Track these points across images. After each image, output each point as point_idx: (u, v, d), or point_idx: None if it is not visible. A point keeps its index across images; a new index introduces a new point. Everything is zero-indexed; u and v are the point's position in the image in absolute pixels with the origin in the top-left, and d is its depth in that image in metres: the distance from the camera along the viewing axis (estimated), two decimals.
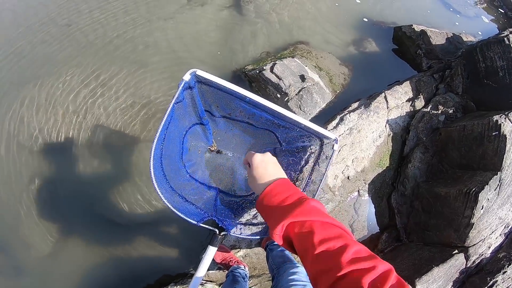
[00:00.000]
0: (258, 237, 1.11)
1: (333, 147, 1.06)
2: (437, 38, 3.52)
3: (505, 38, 2.74)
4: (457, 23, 4.06)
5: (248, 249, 2.26)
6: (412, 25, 3.54)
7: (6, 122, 2.62)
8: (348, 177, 2.62)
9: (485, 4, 4.65)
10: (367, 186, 2.65)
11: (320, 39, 3.31)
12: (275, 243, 1.92)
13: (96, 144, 2.57)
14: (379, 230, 2.60)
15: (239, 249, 2.22)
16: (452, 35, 3.63)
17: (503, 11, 4.56)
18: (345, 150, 2.62)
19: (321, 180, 1.06)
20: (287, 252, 1.81)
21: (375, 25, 3.61)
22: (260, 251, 2.27)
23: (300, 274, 1.50)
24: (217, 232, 1.01)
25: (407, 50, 3.52)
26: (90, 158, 2.50)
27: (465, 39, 3.67)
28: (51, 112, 2.66)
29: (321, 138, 1.12)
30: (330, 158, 1.07)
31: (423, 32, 3.48)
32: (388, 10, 3.83)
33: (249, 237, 1.12)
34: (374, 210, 2.63)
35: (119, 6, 3.46)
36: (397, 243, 2.59)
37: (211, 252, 1.02)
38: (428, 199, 2.48)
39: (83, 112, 2.68)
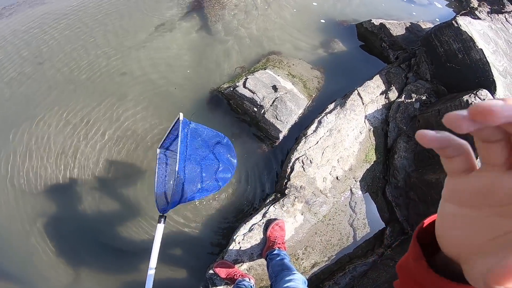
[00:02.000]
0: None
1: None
2: (397, 30, 3.55)
3: (453, 22, 2.77)
4: (414, 13, 4.12)
5: (251, 262, 2.21)
6: (371, 20, 3.56)
7: (0, 168, 2.62)
8: (337, 178, 2.57)
9: None
10: (358, 183, 2.59)
11: (290, 46, 3.29)
12: (275, 252, 1.93)
13: (91, 181, 2.55)
14: (383, 226, 2.54)
15: (241, 263, 2.17)
16: (410, 24, 3.67)
17: None
18: (328, 152, 2.59)
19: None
20: (286, 260, 1.83)
21: (338, 25, 3.62)
22: (265, 263, 2.21)
23: (297, 281, 1.50)
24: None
25: (373, 44, 3.53)
26: (88, 194, 2.51)
27: (424, 27, 3.72)
28: (42, 155, 2.65)
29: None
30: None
31: (382, 25, 3.51)
32: (348, 8, 3.85)
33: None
34: (372, 206, 2.57)
35: (88, 39, 3.42)
36: (403, 236, 2.49)
37: (160, 228, 1.52)
38: (421, 188, 2.41)
39: (72, 152, 2.65)
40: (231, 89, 2.71)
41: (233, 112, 2.85)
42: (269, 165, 2.65)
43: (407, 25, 3.64)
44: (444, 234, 0.32)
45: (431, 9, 4.32)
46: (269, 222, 2.21)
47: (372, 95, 2.85)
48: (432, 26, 3.72)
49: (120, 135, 2.71)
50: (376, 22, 3.51)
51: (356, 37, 3.59)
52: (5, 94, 3.01)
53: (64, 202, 2.49)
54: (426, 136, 0.28)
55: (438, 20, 4.08)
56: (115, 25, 3.56)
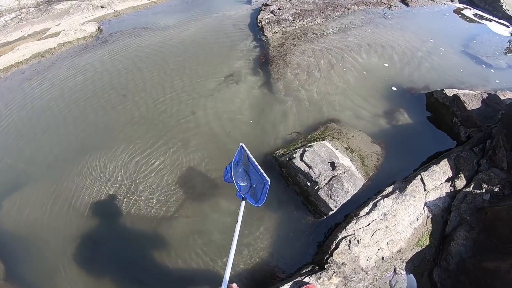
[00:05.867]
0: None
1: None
2: (472, 102, 3.11)
3: None
4: (497, 81, 3.58)
5: None
6: (443, 90, 3.17)
7: (64, 185, 2.74)
8: (382, 258, 2.35)
9: None
10: (404, 264, 2.34)
11: (350, 114, 3.06)
12: None
13: (138, 215, 2.56)
14: None
15: None
16: (487, 96, 3.19)
17: None
18: (378, 234, 2.37)
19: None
20: None
21: (405, 92, 3.28)
22: None
23: None
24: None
25: (442, 118, 3.13)
26: (132, 226, 2.50)
27: (502, 98, 3.22)
28: (103, 182, 2.75)
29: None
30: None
31: (456, 97, 3.10)
32: (416, 73, 3.48)
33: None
34: (414, 286, 2.27)
35: (167, 79, 3.61)
36: None
37: (243, 203, 1.70)
38: (475, 273, 2.16)
39: (130, 185, 2.72)
40: (287, 158, 2.58)
41: (283, 179, 2.71)
42: (311, 236, 2.46)
43: (484, 97, 3.18)
44: None
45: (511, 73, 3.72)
46: (300, 285, 2.06)
47: (436, 182, 2.52)
48: None
49: (175, 179, 2.74)
50: (449, 92, 3.11)
51: (424, 108, 3.22)
52: (89, 119, 3.25)
53: (108, 229, 2.50)
54: None
55: None
56: (192, 69, 3.72)
